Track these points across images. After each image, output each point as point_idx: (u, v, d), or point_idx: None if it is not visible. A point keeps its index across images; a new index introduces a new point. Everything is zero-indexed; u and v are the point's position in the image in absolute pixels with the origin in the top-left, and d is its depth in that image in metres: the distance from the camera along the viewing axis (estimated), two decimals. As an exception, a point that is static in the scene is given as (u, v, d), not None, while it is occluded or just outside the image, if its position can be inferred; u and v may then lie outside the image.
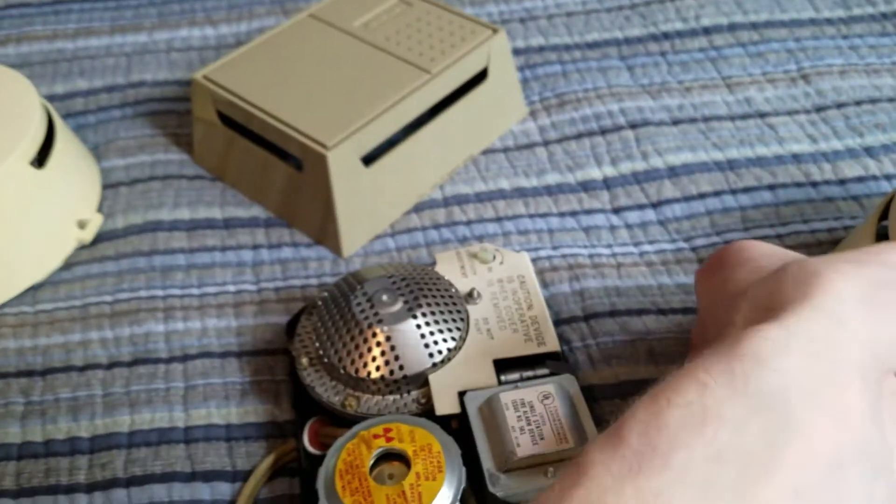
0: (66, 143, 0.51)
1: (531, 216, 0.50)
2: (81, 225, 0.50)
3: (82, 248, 0.50)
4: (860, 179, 0.50)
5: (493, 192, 0.51)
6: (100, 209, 0.52)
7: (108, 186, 0.53)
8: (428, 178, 0.51)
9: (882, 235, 0.41)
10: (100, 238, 0.50)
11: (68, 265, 0.49)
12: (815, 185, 0.50)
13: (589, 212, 0.50)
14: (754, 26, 0.61)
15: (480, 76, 0.52)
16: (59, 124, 0.51)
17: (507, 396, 0.36)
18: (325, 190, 0.46)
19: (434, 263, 0.43)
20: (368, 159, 0.48)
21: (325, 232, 0.49)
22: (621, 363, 0.42)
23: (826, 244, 0.47)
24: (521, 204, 0.50)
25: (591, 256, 0.47)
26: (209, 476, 0.39)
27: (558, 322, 0.44)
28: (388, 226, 0.50)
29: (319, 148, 0.46)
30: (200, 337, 0.45)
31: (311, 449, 0.38)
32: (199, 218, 0.51)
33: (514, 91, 0.55)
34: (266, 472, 0.39)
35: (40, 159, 0.48)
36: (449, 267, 0.43)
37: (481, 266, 0.43)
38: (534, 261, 0.47)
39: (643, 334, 0.43)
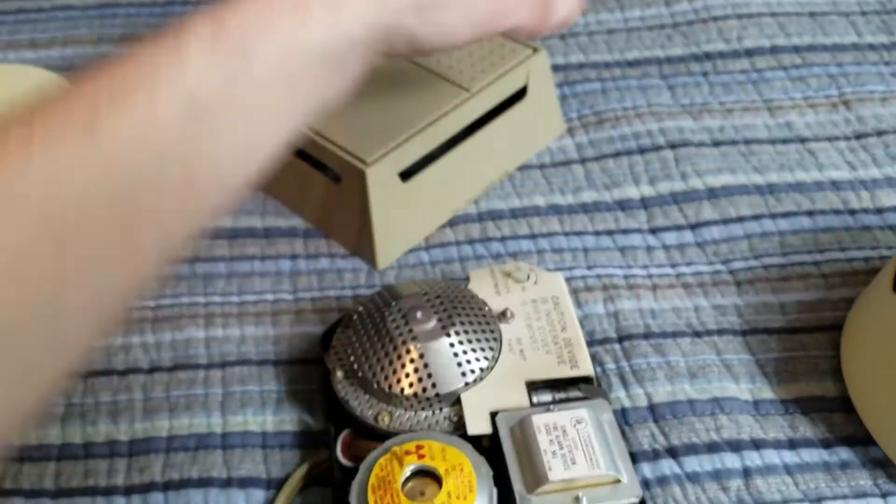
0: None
1: (566, 234, 0.50)
2: (125, 229, 0.51)
3: (125, 252, 0.51)
4: (899, 208, 0.50)
5: (527, 209, 0.52)
6: (143, 214, 0.53)
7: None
8: (464, 194, 0.52)
9: None
10: (142, 243, 0.51)
11: (111, 269, 0.50)
12: (853, 213, 0.50)
13: (625, 231, 0.50)
14: (797, 49, 0.61)
15: (519, 94, 0.53)
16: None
17: (540, 419, 0.36)
18: (362, 203, 0.47)
19: (467, 280, 0.44)
20: (406, 174, 0.48)
21: (361, 244, 0.49)
22: (655, 386, 0.42)
23: (862, 273, 0.47)
24: (557, 221, 0.51)
25: (626, 277, 0.47)
26: (244, 483, 0.40)
27: (591, 343, 0.44)
28: (422, 239, 0.50)
29: (358, 163, 0.46)
30: (239, 344, 0.45)
31: (343, 461, 0.38)
32: (240, 227, 0.51)
33: (553, 109, 0.55)
34: (300, 482, 0.40)
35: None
36: (482, 285, 0.43)
37: (515, 285, 0.43)
38: (568, 280, 0.47)
39: (678, 356, 0.43)
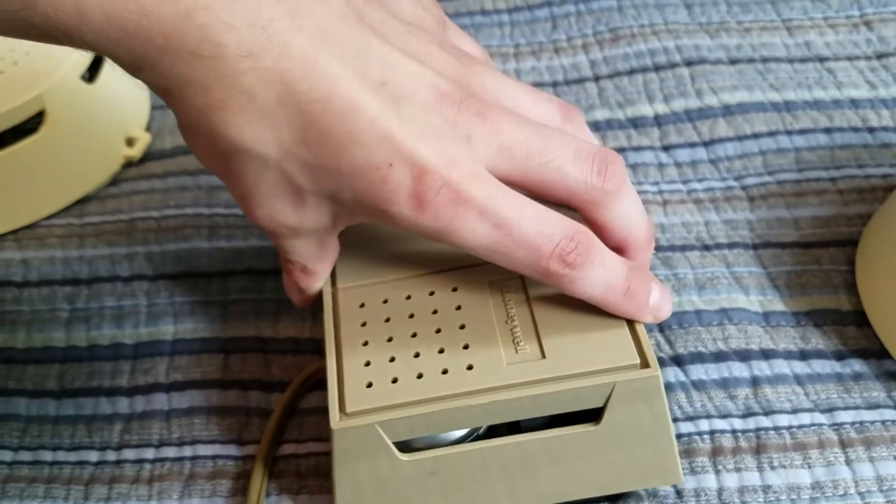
0: (118, 60, 0.51)
1: (578, 151, 0.49)
2: (130, 142, 0.50)
3: (130, 165, 0.50)
4: (920, 127, 0.49)
5: (540, 127, 0.50)
6: (148, 129, 0.52)
7: (157, 107, 0.54)
8: None
9: None
10: (148, 157, 0.51)
11: (115, 181, 0.49)
12: (871, 130, 0.49)
13: (637, 149, 0.49)
14: (819, -31, 0.59)
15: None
16: (112, 42, 0.52)
17: None
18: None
19: None
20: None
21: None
22: (662, 298, 0.41)
23: (880, 189, 0.46)
24: (568, 139, 0.50)
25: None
26: (247, 385, 0.40)
27: (600, 255, 0.43)
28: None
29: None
30: (240, 255, 0.45)
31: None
32: (245, 140, 0.51)
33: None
34: (301, 384, 0.39)
35: (91, 75, 0.49)
36: None
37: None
38: (578, 194, 0.46)
39: (686, 269, 0.42)
